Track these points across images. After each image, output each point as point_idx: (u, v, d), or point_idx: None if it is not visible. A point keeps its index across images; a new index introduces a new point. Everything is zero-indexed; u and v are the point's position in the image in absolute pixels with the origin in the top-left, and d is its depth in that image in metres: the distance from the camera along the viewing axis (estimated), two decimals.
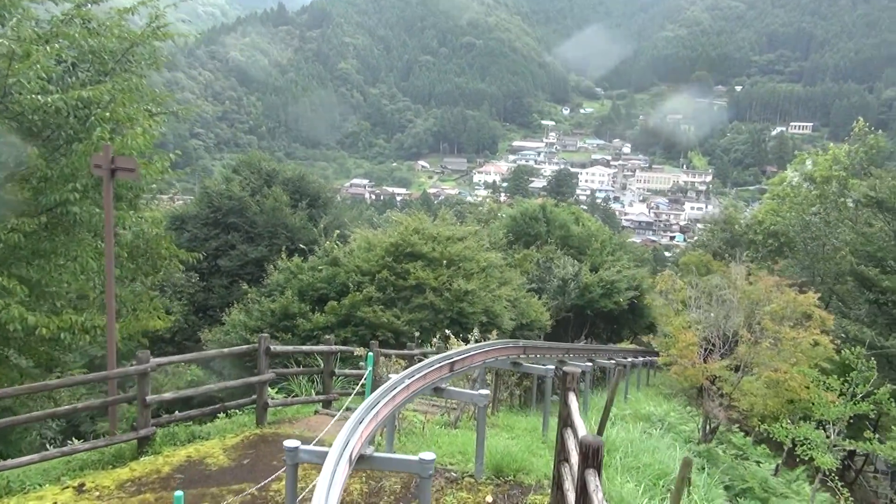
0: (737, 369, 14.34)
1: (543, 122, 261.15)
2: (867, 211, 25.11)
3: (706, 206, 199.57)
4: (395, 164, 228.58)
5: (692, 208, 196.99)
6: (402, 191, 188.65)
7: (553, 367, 9.82)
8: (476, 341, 16.56)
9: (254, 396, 9.77)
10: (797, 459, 13.89)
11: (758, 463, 15.10)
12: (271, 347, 9.84)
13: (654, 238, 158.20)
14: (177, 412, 8.90)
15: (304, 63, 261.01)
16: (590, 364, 13.21)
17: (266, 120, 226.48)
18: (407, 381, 6.31)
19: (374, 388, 7.90)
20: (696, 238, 45.62)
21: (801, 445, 11.74)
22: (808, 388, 12.32)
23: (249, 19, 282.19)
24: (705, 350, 13.38)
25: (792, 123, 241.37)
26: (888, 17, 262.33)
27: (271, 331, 18.83)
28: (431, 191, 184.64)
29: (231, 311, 20.41)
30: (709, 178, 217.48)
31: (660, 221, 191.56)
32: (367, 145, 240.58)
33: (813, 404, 11.99)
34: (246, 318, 18.98)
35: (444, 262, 19.66)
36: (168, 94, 11.69)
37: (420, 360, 15.40)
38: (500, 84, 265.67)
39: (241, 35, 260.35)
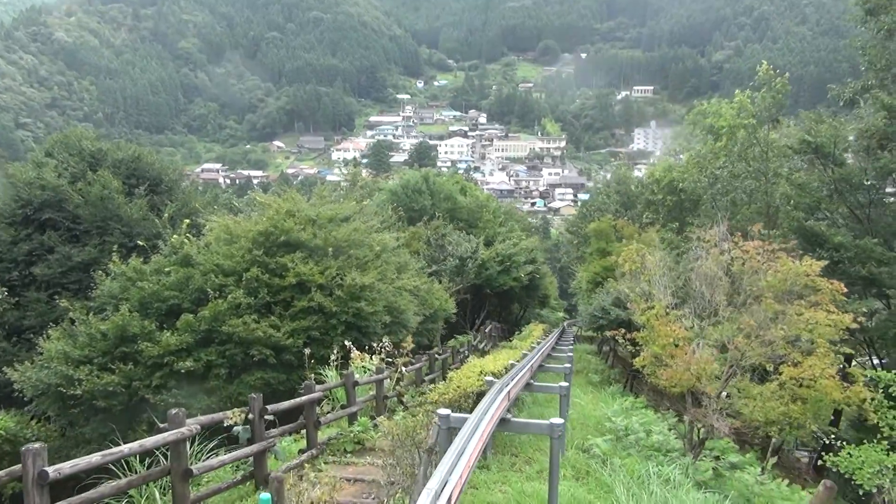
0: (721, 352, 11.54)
1: (399, 96, 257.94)
2: (776, 161, 23.59)
3: (562, 171, 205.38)
4: (248, 146, 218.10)
5: (550, 174, 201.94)
6: (259, 173, 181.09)
7: (562, 420, 6.37)
8: (386, 352, 12.91)
9: None
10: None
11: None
12: (49, 471, 5.03)
13: (517, 206, 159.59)
14: None
15: (140, 43, 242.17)
16: (567, 384, 9.90)
17: (102, 105, 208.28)
18: None
19: None
20: (590, 202, 44.01)
21: (861, 469, 9.02)
22: (839, 383, 9.67)
23: None
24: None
25: (634, 87, 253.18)
26: None
27: (105, 360, 14.11)
28: (290, 171, 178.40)
29: (49, 337, 15.39)
30: (563, 144, 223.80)
31: (520, 188, 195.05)
32: (217, 128, 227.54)
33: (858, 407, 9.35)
34: (68, 347, 14.10)
35: (330, 250, 15.72)
36: None
37: (322, 407, 11.34)
38: (352, 59, 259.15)
39: (65, 14, 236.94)
